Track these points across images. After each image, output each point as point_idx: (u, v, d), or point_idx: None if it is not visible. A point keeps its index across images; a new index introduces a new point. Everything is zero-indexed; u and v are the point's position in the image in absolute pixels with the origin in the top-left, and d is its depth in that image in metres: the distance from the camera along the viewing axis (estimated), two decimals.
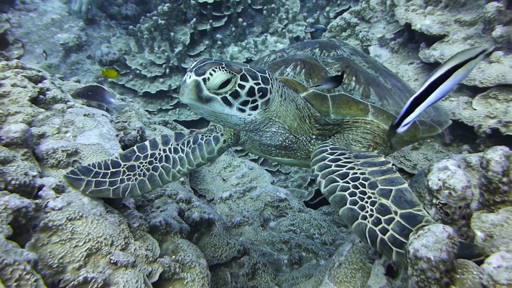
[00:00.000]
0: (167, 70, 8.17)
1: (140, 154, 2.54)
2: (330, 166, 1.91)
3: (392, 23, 5.36)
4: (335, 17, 9.02)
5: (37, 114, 2.81)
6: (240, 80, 1.91)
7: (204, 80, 1.81)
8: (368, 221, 1.62)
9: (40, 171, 2.41)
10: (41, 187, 2.24)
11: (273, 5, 8.65)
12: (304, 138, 2.33)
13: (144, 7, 9.87)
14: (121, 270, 2.03)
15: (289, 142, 2.30)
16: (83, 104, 3.82)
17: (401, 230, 1.53)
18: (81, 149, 2.68)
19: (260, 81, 1.97)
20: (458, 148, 4.22)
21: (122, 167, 2.48)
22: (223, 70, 1.84)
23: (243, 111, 1.96)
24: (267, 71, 2.07)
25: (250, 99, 1.95)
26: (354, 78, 2.37)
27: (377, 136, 2.31)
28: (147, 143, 2.58)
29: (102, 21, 9.26)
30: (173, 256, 2.43)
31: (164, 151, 2.53)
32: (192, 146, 2.53)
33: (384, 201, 1.65)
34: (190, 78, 1.82)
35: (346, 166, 1.88)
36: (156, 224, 2.56)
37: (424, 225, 1.44)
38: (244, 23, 8.40)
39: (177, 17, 8.21)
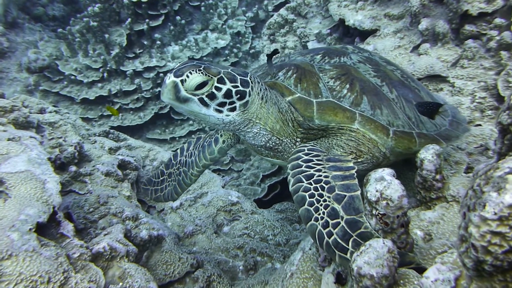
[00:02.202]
0: (105, 74, 7.75)
1: (174, 162, 3.04)
2: (301, 166, 2.02)
3: (327, 18, 5.47)
4: (274, 10, 9.08)
5: None
6: (217, 82, 2.04)
7: (182, 81, 1.97)
8: (319, 223, 1.75)
9: None
10: None
11: (211, 1, 8.49)
12: (288, 141, 2.42)
13: (73, 7, 9.25)
14: None
15: (273, 143, 2.41)
16: (8, 123, 3.50)
17: (343, 235, 1.67)
18: (7, 179, 2.44)
19: (238, 84, 2.10)
20: None
21: (166, 175, 3.08)
22: (199, 73, 1.98)
23: (220, 112, 2.10)
24: (249, 74, 2.19)
25: (228, 100, 2.08)
26: (347, 86, 2.38)
27: (361, 144, 2.31)
28: (178, 150, 3.05)
29: (26, 24, 8.54)
30: (120, 284, 2.30)
31: (186, 156, 2.94)
32: (197, 150, 2.88)
33: (336, 205, 1.77)
34: (169, 79, 1.98)
35: (314, 167, 1.99)
36: (100, 250, 2.41)
37: (363, 232, 1.57)
38: (183, 21, 8.17)
39: (110, 17, 7.79)
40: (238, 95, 2.10)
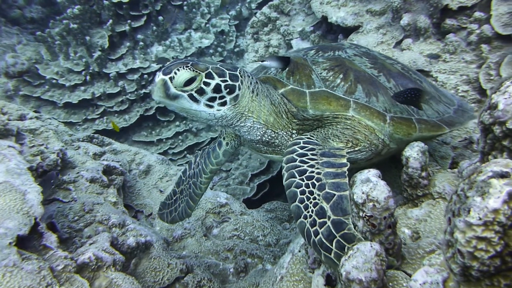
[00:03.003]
0: (88, 77, 7.61)
1: (184, 178, 3.05)
2: (295, 161, 2.02)
3: (310, 15, 5.45)
4: (257, 8, 9.03)
5: None
6: (206, 77, 2.05)
7: (170, 78, 1.99)
8: (307, 221, 1.77)
9: None
10: None
11: (193, 0, 8.40)
12: (284, 133, 2.42)
13: (52, 9, 9.02)
14: None
15: (269, 137, 2.41)
16: None
17: (327, 235, 1.69)
18: None
19: (227, 78, 2.11)
20: None
21: (178, 193, 3.09)
22: (187, 69, 2.00)
23: (211, 107, 2.11)
24: (238, 69, 2.21)
25: (217, 95, 2.09)
26: (341, 76, 2.38)
27: (357, 132, 2.30)
28: (187, 165, 3.07)
29: (2, 27, 8.32)
30: None
31: (193, 168, 2.97)
32: (202, 157, 2.92)
33: (324, 204, 1.78)
34: (158, 77, 2.01)
35: (308, 163, 1.99)
36: (85, 261, 2.36)
37: (346, 233, 1.63)
38: (165, 21, 8.06)
39: (91, 19, 7.64)
40: (228, 89, 2.12)
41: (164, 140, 7.99)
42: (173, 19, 8.00)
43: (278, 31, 5.63)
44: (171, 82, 2.00)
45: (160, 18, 7.97)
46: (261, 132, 2.38)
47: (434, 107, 2.55)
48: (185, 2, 8.31)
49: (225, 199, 4.32)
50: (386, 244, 1.46)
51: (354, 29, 4.57)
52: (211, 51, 8.49)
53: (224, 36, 8.82)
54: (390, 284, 1.28)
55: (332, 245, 1.66)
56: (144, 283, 2.77)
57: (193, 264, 3.14)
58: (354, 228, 1.56)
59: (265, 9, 5.76)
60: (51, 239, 2.45)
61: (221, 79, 2.09)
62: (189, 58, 2.16)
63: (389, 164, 2.84)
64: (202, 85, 2.04)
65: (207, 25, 8.53)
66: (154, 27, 7.98)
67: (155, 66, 7.85)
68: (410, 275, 1.35)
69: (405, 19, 4.20)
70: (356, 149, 2.30)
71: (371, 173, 1.48)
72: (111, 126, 7.80)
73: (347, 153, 2.24)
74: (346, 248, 1.61)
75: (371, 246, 1.28)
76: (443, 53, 4.06)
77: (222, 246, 3.63)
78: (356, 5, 4.64)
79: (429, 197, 1.98)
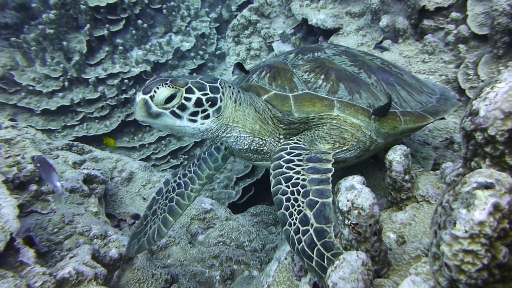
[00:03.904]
0: (66, 83, 7.44)
1: (158, 197, 2.79)
2: (282, 167, 2.02)
3: (290, 17, 5.46)
4: (237, 10, 9.00)
5: None
6: (186, 93, 2.05)
7: (151, 97, 1.98)
8: (292, 229, 1.77)
9: None
10: None
11: (172, 3, 8.31)
12: (272, 139, 2.41)
13: (26, 14, 8.77)
14: None
15: (257, 145, 2.40)
16: None
17: (309, 243, 1.69)
18: None
19: (208, 91, 2.11)
20: None
21: (149, 216, 2.77)
22: (166, 86, 1.99)
23: (194, 121, 2.11)
24: (218, 80, 2.21)
25: (200, 109, 2.09)
26: (322, 77, 2.38)
27: (344, 131, 2.29)
28: (162, 185, 2.82)
29: None
30: None
31: (175, 181, 2.75)
32: (197, 163, 2.75)
33: (308, 212, 1.78)
34: (139, 97, 2.00)
35: (294, 169, 1.99)
36: (65, 276, 2.28)
37: (326, 242, 1.64)
38: (145, 25, 7.96)
39: (67, 24, 7.46)
40: (209, 102, 2.11)
41: (146, 145, 7.87)
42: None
43: (259, 34, 5.61)
44: (152, 101, 1.99)
45: (139, 21, 7.86)
46: (249, 141, 2.37)
47: (417, 98, 2.57)
48: (164, 5, 8.21)
49: (210, 205, 4.27)
50: (372, 252, 1.44)
51: (335, 31, 4.58)
52: (192, 54, 8.42)
53: (205, 39, 8.76)
54: None
55: (313, 253, 1.66)
56: None
57: (178, 273, 3.08)
58: (340, 236, 1.54)
59: (245, 12, 5.74)
60: (28, 254, 2.36)
61: (202, 92, 2.09)
62: (167, 75, 2.16)
63: (373, 166, 2.85)
64: (183, 101, 2.04)
65: (188, 28, 8.45)
66: (134, 31, 7.86)
67: (135, 70, 7.73)
68: (397, 283, 1.34)
69: (384, 20, 4.24)
70: (344, 148, 2.30)
71: (356, 180, 1.47)
72: (92, 133, 7.65)
73: (336, 153, 2.25)
74: (325, 257, 1.61)
75: (357, 256, 1.26)
76: (422, 54, 4.11)
77: (208, 253, 3.58)
78: (335, 7, 4.66)
79: (413, 200, 1.98)
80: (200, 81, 2.13)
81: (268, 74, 2.46)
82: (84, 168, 4.24)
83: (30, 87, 7.29)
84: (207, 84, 2.13)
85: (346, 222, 1.44)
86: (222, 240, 3.82)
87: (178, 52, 8.16)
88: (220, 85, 2.19)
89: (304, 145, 2.20)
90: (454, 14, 3.98)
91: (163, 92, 1.99)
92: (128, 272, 2.86)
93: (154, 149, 7.86)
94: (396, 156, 1.95)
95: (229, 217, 4.20)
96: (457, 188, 0.80)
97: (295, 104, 2.28)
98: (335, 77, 2.38)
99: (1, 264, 2.13)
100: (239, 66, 2.53)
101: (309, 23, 4.67)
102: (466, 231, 0.75)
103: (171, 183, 2.77)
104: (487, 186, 0.76)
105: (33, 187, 3.45)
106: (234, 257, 3.44)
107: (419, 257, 1.48)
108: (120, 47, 7.70)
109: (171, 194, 2.70)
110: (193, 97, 2.06)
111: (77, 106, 7.58)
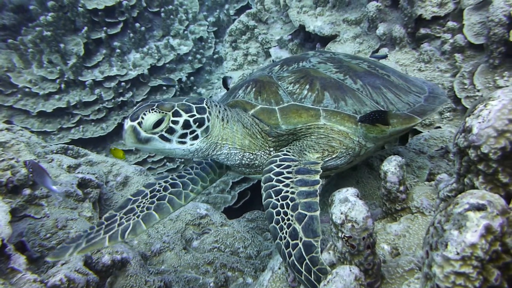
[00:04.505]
0: (63, 85, 7.41)
1: (137, 198, 2.45)
2: (272, 180, 2.04)
3: (288, 23, 5.47)
4: (235, 14, 9.01)
5: None
6: (173, 116, 2.07)
7: (139, 123, 2.00)
8: (282, 243, 1.80)
9: None
10: None
11: (170, 7, 8.31)
12: (262, 153, 2.43)
13: (24, 15, 8.75)
14: None
15: (248, 159, 2.42)
16: None
17: (299, 258, 1.71)
18: None
19: (195, 113, 2.14)
20: None
21: (119, 215, 2.34)
22: (153, 112, 2.02)
23: (183, 143, 2.12)
24: (205, 100, 2.23)
25: (188, 131, 2.11)
26: (307, 87, 2.40)
27: (332, 139, 2.32)
28: (142, 187, 2.55)
29: None
30: None
31: (166, 181, 2.52)
32: (199, 166, 2.64)
33: (297, 225, 1.80)
34: (127, 124, 2.02)
35: (283, 182, 2.01)
36: (56, 283, 2.26)
37: (313, 257, 1.68)
38: (142, 28, 7.96)
39: (65, 26, 7.45)
40: (197, 123, 2.14)
41: None
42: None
43: (257, 40, 5.62)
44: (140, 127, 2.01)
45: (137, 24, 7.85)
46: (240, 157, 2.40)
47: (404, 99, 2.57)
48: (162, 9, 8.22)
49: (205, 210, 4.25)
50: (366, 265, 1.43)
51: (332, 38, 4.59)
52: (189, 58, 8.42)
53: (203, 43, 8.76)
54: None
55: (302, 268, 1.69)
56: None
57: (172, 280, 3.06)
58: (334, 248, 1.53)
59: (243, 17, 5.74)
60: (19, 261, 2.33)
61: (189, 114, 2.12)
62: (154, 100, 2.15)
63: (368, 175, 2.84)
64: (171, 124, 2.07)
65: (186, 32, 8.46)
66: (131, 34, 7.86)
67: (132, 73, 7.72)
68: None
69: (381, 28, 4.25)
70: (334, 156, 2.32)
71: (349, 192, 1.46)
72: (88, 135, 7.63)
73: (326, 161, 2.28)
74: (312, 271, 1.64)
75: (350, 270, 1.25)
76: (418, 62, 4.13)
77: (202, 259, 3.55)
78: (332, 14, 4.68)
79: (408, 211, 1.98)
80: (186, 103, 2.16)
81: (253, 89, 2.48)
82: (78, 172, 4.21)
83: (27, 89, 7.27)
84: (193, 106, 2.16)
85: (340, 234, 1.43)
86: (217, 246, 3.80)
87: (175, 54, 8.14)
88: (206, 105, 2.21)
89: (293, 156, 2.22)
90: (450, 23, 4.00)
91: (150, 117, 2.01)
92: (121, 279, 2.84)
93: (150, 152, 7.84)
94: (391, 167, 1.94)
95: (224, 223, 4.18)
96: (449, 208, 0.80)
97: (282, 117, 2.29)
98: (320, 86, 2.40)
99: None
100: (224, 81, 2.58)
101: (306, 29, 4.69)
102: (457, 253, 0.75)
103: (159, 183, 2.51)
104: (479, 208, 0.76)
105: (27, 191, 3.42)
106: (229, 263, 3.43)
107: (412, 270, 1.47)
108: (118, 50, 7.70)
109: (161, 193, 2.43)
110: (181, 120, 2.09)
111: (74, 108, 7.56)
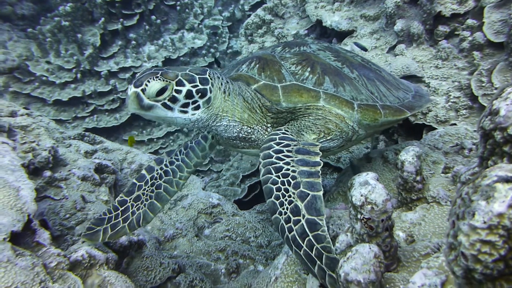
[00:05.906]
0: (79, 75, 7.53)
1: (141, 183, 2.70)
2: (272, 157, 2.08)
3: (304, 18, 5.49)
4: (250, 10, 9.04)
5: None
6: (176, 85, 2.10)
7: (142, 90, 2.03)
8: (282, 218, 1.84)
9: None
10: None
11: (186, 0, 8.37)
12: (260, 128, 2.49)
13: (43, 6, 8.90)
14: None
15: (245, 133, 2.47)
16: None
17: (301, 233, 1.75)
18: None
19: (198, 83, 2.17)
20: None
21: (129, 202, 2.64)
22: (157, 79, 2.05)
23: (185, 112, 2.16)
24: (208, 71, 2.27)
25: (190, 100, 2.15)
26: (309, 69, 2.48)
27: (329, 121, 2.40)
28: (143, 171, 2.75)
29: None
30: None
31: (161, 168, 2.73)
32: (184, 151, 2.80)
33: (299, 203, 1.85)
34: (131, 90, 2.05)
35: (284, 160, 2.05)
36: (78, 258, 2.33)
37: (319, 234, 1.73)
38: (158, 21, 8.03)
39: (82, 17, 7.56)
40: (199, 94, 2.17)
41: (155, 139, 7.94)
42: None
43: (272, 34, 5.65)
44: (144, 94, 2.04)
45: (153, 17, 7.93)
46: (238, 129, 2.45)
47: (395, 93, 2.72)
48: (178, 2, 8.28)
49: (217, 200, 4.32)
50: (383, 247, 1.47)
51: (349, 33, 4.61)
52: (203, 51, 8.48)
53: (217, 37, 8.81)
54: (388, 286, 1.30)
55: (303, 243, 1.73)
56: (136, 282, 2.75)
57: (185, 264, 3.13)
58: (352, 230, 1.57)
59: (259, 11, 5.78)
60: (44, 236, 2.41)
61: (192, 84, 2.15)
62: (158, 67, 2.19)
63: (382, 168, 2.87)
64: (174, 93, 2.10)
65: (200, 26, 8.51)
66: (147, 26, 7.94)
67: (147, 65, 7.81)
68: (407, 279, 1.36)
69: (399, 24, 4.25)
70: (328, 138, 2.41)
71: (370, 176, 1.50)
72: (102, 125, 7.74)
73: (320, 142, 2.37)
74: (314, 247, 1.69)
75: (370, 248, 1.29)
76: (435, 59, 4.12)
77: (214, 246, 3.62)
78: (350, 9, 4.69)
79: (423, 201, 2.01)
80: (190, 73, 2.18)
81: (257, 65, 2.54)
82: (95, 158, 4.31)
83: (44, 78, 7.40)
84: (197, 76, 2.19)
85: (359, 216, 1.47)
86: (228, 234, 3.86)
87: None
88: (209, 76, 2.25)
89: (292, 135, 2.28)
90: (470, 21, 3.98)
91: (154, 85, 2.04)
92: (136, 260, 2.91)
93: (162, 144, 7.93)
94: (409, 156, 1.97)
95: (236, 213, 4.24)
96: (477, 181, 0.83)
97: (283, 94, 2.36)
98: (320, 70, 2.49)
99: (19, 243, 2.19)
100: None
101: (323, 24, 4.70)
102: (484, 222, 0.78)
103: (157, 169, 2.73)
104: (508, 180, 0.79)
105: (47, 173, 3.52)
106: (240, 251, 3.48)
107: (428, 255, 1.50)
108: (133, 42, 7.78)
109: (158, 181, 2.68)
110: (184, 89, 2.12)
111: (89, 98, 7.67)
